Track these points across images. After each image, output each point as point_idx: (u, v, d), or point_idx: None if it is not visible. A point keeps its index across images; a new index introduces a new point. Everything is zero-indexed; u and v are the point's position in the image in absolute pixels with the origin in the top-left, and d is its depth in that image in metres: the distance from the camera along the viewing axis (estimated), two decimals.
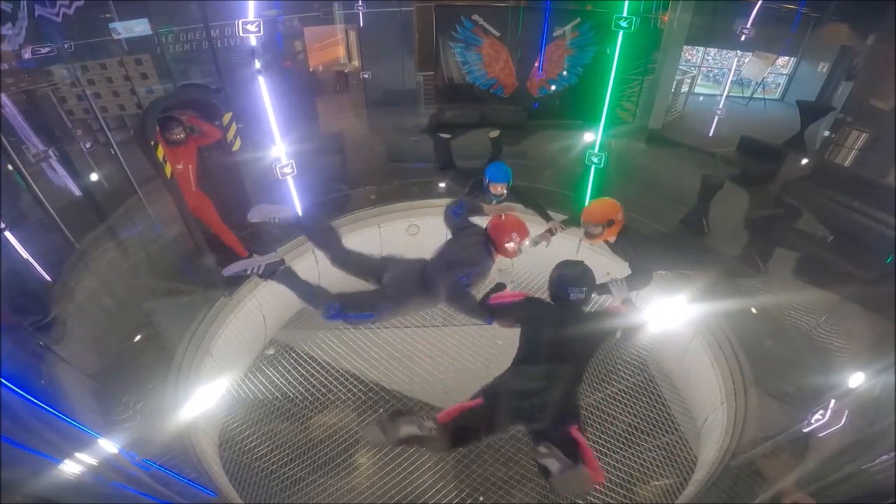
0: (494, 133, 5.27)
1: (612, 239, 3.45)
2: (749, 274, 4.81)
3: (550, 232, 3.92)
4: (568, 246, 5.28)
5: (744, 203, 6.01)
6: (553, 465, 2.07)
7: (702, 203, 5.41)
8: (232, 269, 3.09)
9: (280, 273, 3.12)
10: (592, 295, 2.74)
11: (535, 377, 2.42)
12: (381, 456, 4.24)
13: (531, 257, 5.53)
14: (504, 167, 4.04)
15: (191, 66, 6.94)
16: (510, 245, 2.94)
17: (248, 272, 3.06)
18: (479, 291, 3.02)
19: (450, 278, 2.80)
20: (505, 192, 4.04)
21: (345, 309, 2.90)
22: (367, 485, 4.10)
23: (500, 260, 3.11)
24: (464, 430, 2.28)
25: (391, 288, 2.95)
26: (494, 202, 4.11)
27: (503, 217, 3.00)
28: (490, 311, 2.78)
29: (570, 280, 2.65)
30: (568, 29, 8.08)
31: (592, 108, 5.26)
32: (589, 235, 3.39)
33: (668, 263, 4.04)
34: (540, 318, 2.67)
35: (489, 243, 3.00)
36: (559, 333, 2.54)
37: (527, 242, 3.04)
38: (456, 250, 3.04)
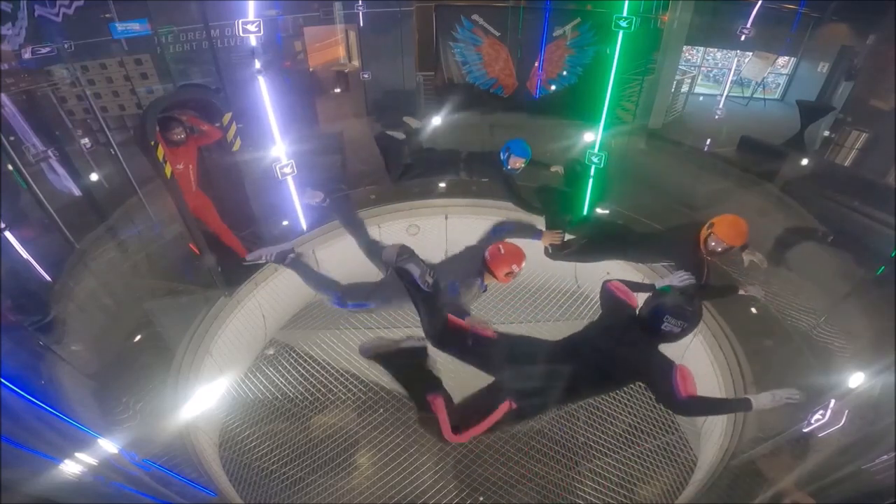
0: (416, 123, 4.68)
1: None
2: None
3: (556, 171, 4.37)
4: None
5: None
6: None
7: None
8: (252, 256, 3.58)
9: (290, 261, 3.44)
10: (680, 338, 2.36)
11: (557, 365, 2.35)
12: (381, 456, 4.25)
13: (531, 254, 5.53)
14: (525, 143, 4.14)
15: (191, 66, 6.94)
16: (509, 276, 2.97)
17: (263, 259, 3.49)
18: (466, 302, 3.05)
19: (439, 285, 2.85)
20: (522, 167, 4.14)
21: (344, 298, 3.20)
22: (367, 485, 4.10)
23: None
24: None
25: (391, 283, 3.07)
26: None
27: (502, 250, 2.97)
28: (607, 293, 2.65)
29: (672, 309, 2.29)
30: (568, 29, 8.08)
31: (592, 108, 5.25)
32: (712, 253, 3.05)
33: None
34: (614, 327, 2.48)
35: (484, 269, 3.01)
36: (613, 355, 2.36)
37: (522, 265, 3.03)
38: (462, 262, 3.13)
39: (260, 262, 3.58)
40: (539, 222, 3.98)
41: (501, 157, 4.13)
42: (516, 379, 2.36)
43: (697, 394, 2.22)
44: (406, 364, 2.35)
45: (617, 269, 4.94)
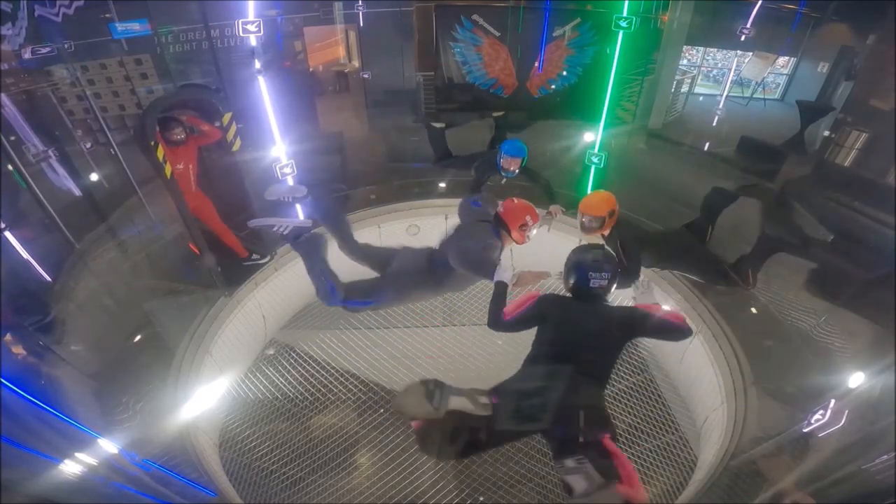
0: (499, 112, 5.19)
1: (605, 233, 3.41)
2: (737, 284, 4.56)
3: (550, 215, 3.95)
4: (569, 243, 5.29)
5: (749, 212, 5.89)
6: (578, 482, 1.79)
7: (709, 214, 5.23)
8: (258, 222, 3.13)
9: (304, 240, 3.04)
10: (614, 285, 2.45)
11: (547, 377, 2.18)
12: (381, 456, 4.25)
13: (529, 258, 5.54)
14: (520, 143, 4.06)
15: (191, 66, 6.93)
16: (523, 228, 2.90)
17: (275, 228, 3.07)
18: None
19: (466, 249, 2.73)
20: (516, 169, 4.07)
21: (346, 297, 2.94)
22: (367, 485, 4.10)
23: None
24: (469, 442, 2.07)
25: (394, 276, 2.98)
26: (503, 180, 4.21)
27: (515, 201, 2.95)
28: (507, 326, 2.45)
29: (591, 265, 2.38)
30: (568, 29, 8.07)
31: (592, 108, 5.24)
32: (586, 229, 3.35)
33: (662, 262, 4.03)
34: (558, 314, 2.41)
35: (500, 227, 2.94)
36: (579, 329, 2.30)
37: (536, 229, 2.97)
38: (466, 236, 2.98)
39: (259, 261, 3.29)
40: None
41: (497, 163, 4.09)
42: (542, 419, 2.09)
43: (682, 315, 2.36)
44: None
45: None
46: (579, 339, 2.29)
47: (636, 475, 1.94)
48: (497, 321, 2.44)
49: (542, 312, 2.43)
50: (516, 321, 2.43)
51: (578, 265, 2.42)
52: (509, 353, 4.99)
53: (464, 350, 4.97)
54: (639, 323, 2.32)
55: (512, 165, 4.03)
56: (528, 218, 2.88)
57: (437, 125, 5.06)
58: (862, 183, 5.84)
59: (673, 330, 2.30)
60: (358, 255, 3.15)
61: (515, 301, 2.49)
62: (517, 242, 2.97)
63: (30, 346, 3.69)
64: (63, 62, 5.80)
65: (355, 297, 2.97)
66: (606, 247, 2.63)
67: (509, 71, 8.59)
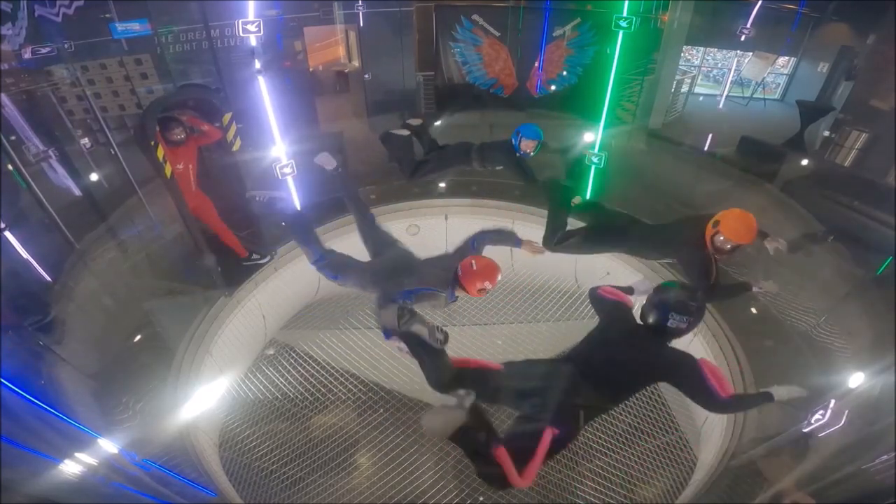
0: (416, 121, 4.65)
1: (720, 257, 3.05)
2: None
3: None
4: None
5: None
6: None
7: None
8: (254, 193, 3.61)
9: (287, 216, 3.41)
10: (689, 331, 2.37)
11: (554, 376, 2.26)
12: (381, 456, 4.25)
13: (528, 260, 5.53)
14: (536, 127, 4.15)
15: (191, 66, 6.93)
16: (481, 291, 2.87)
17: (257, 197, 3.59)
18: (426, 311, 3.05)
19: (396, 287, 2.79)
20: (533, 151, 4.16)
21: (321, 262, 3.19)
22: (367, 485, 4.11)
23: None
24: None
25: (370, 267, 3.12)
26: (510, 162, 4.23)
27: (474, 266, 2.85)
28: (598, 299, 2.65)
29: (676, 305, 2.29)
30: (568, 29, 8.08)
31: (592, 108, 5.24)
32: (720, 251, 2.92)
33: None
34: (616, 332, 2.45)
35: (456, 283, 2.90)
36: (623, 357, 2.32)
37: (496, 281, 2.92)
38: (435, 268, 3.01)
39: (259, 261, 3.50)
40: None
41: (513, 143, 4.16)
42: (541, 409, 2.21)
43: (732, 390, 2.20)
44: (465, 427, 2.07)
45: (617, 269, 4.94)
46: (617, 365, 2.31)
47: (533, 468, 2.06)
48: (596, 288, 2.73)
49: (611, 312, 2.55)
50: (604, 301, 2.63)
51: (663, 302, 2.33)
52: (509, 353, 5.00)
53: (464, 350, 4.97)
54: (681, 375, 2.27)
55: (529, 148, 4.13)
56: (486, 283, 2.82)
57: (400, 132, 4.37)
58: (862, 183, 5.84)
59: (706, 395, 2.17)
60: (362, 235, 3.35)
61: (618, 293, 2.66)
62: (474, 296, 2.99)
63: (30, 346, 3.69)
64: (63, 62, 5.80)
65: (327, 269, 3.18)
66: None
67: (509, 71, 8.60)
